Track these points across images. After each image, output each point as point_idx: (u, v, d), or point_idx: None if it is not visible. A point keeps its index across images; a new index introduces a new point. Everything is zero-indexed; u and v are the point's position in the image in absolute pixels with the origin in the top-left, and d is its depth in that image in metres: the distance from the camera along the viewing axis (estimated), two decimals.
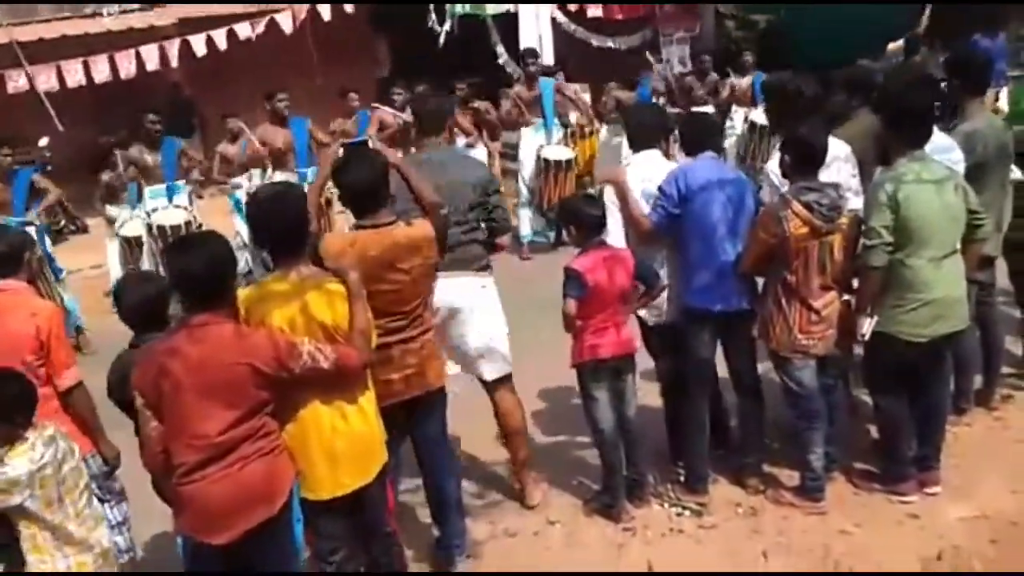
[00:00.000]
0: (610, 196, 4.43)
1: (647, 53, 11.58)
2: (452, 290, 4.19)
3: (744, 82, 10.50)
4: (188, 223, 7.62)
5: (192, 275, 2.99)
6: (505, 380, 4.46)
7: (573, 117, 9.91)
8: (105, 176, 8.35)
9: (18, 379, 3.28)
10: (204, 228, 7.24)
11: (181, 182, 8.20)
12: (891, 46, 11.03)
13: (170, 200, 7.98)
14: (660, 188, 4.25)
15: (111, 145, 8.62)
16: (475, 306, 4.30)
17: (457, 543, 4.05)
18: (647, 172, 4.39)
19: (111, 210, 8.41)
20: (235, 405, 2.96)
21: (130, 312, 3.60)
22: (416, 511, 4.43)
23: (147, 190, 8.08)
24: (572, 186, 8.98)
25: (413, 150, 8.82)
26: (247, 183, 8.50)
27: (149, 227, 7.67)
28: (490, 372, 4.40)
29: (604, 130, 10.40)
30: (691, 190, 4.18)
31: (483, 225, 4.32)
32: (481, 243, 4.32)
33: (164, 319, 3.55)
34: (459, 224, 4.18)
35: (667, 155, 4.70)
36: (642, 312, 4.48)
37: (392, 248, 3.59)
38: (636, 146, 4.62)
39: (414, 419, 3.89)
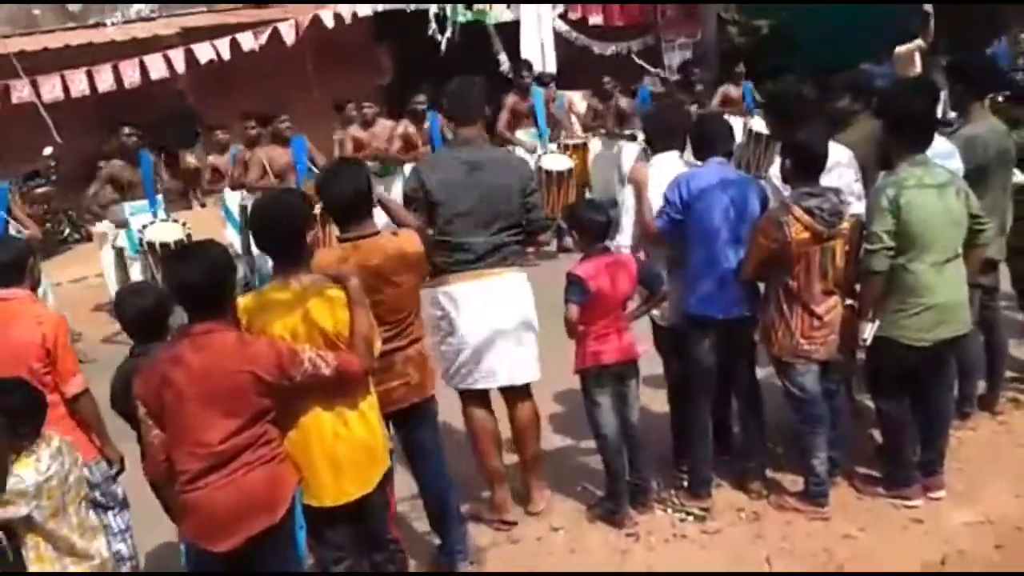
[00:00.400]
0: (628, 195, 4.46)
1: (646, 71, 11.58)
2: (498, 287, 4.22)
3: (736, 91, 10.51)
4: (189, 236, 7.49)
5: (193, 284, 3.00)
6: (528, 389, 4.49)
7: (576, 126, 9.92)
8: (92, 190, 8.30)
9: (23, 389, 3.28)
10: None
11: (160, 196, 8.06)
12: (899, 49, 11.04)
13: (154, 214, 7.80)
14: (664, 195, 4.26)
15: (101, 156, 8.54)
16: (520, 302, 4.33)
17: (459, 549, 4.04)
18: (665, 174, 4.40)
19: (100, 225, 8.32)
20: (237, 413, 2.97)
21: (130, 323, 3.65)
22: (411, 517, 4.42)
23: (129, 205, 7.92)
24: (573, 195, 8.94)
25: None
26: (240, 195, 8.50)
27: (151, 244, 7.38)
28: (523, 374, 4.39)
29: (596, 143, 10.31)
30: (693, 195, 4.19)
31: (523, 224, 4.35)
32: (518, 242, 4.33)
33: (164, 328, 3.58)
34: (504, 229, 4.22)
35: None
36: (654, 312, 4.49)
37: (386, 259, 3.61)
38: (656, 148, 4.65)
39: (409, 426, 3.89)
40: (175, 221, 7.66)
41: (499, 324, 4.25)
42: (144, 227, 7.51)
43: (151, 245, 7.35)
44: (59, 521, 3.23)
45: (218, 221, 8.68)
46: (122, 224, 7.82)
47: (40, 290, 4.51)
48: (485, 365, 4.28)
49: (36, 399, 3.29)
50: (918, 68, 11.09)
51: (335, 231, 3.80)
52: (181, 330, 3.12)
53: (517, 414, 4.45)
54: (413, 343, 3.79)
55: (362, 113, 9.02)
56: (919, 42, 11.07)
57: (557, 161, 9.09)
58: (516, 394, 4.43)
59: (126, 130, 7.96)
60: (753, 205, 4.28)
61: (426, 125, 9.19)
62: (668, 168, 4.45)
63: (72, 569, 3.28)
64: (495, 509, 4.44)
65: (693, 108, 10.18)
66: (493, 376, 4.32)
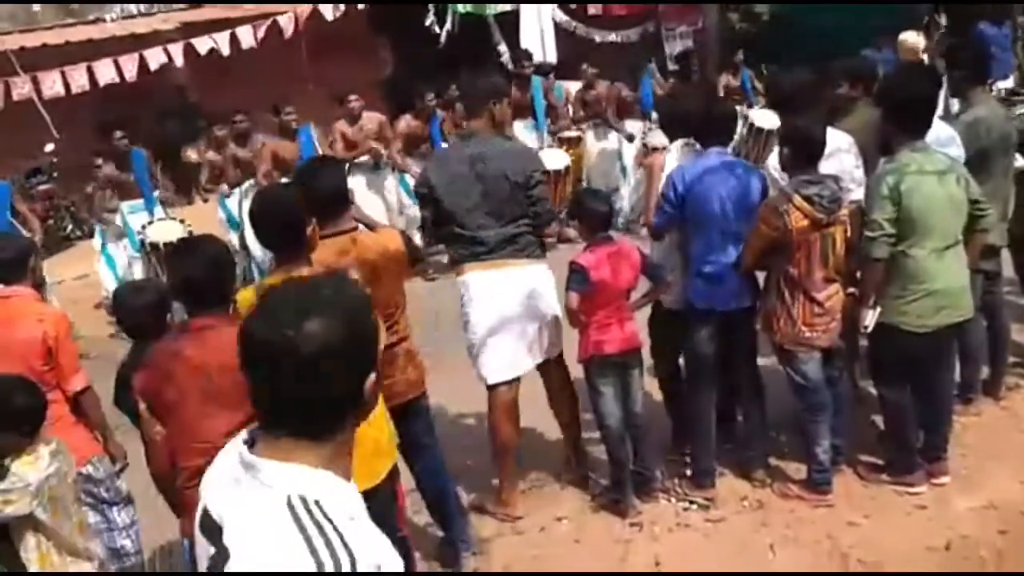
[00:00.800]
0: (634, 173, 4.47)
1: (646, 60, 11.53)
2: (513, 278, 4.23)
3: (735, 81, 10.47)
4: (191, 233, 7.42)
5: (194, 279, 3.00)
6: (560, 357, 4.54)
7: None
8: (88, 189, 8.29)
9: (27, 389, 3.28)
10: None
11: (155, 193, 8.05)
12: (903, 36, 10.96)
13: (151, 213, 7.79)
14: (662, 192, 4.26)
15: (97, 153, 8.52)
16: (545, 290, 4.34)
17: (463, 539, 4.05)
18: (678, 162, 4.40)
19: (103, 219, 8.31)
20: (238, 407, 2.96)
21: (129, 321, 3.64)
22: (412, 509, 4.42)
23: (125, 205, 7.93)
24: (569, 191, 8.86)
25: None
26: (237, 191, 8.47)
27: (153, 245, 7.30)
28: (528, 362, 4.41)
29: (591, 135, 10.26)
30: (688, 187, 4.18)
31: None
32: (531, 232, 4.32)
33: (164, 326, 3.58)
34: (515, 220, 4.22)
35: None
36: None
37: (378, 255, 3.60)
38: (671, 135, 4.67)
39: (406, 422, 3.88)
40: (173, 219, 7.64)
41: (508, 316, 4.25)
42: (144, 227, 7.46)
43: (154, 246, 7.26)
44: (61, 520, 3.23)
45: (217, 218, 8.67)
46: (119, 234, 7.80)
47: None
48: (492, 357, 4.29)
49: (38, 398, 3.29)
50: (922, 55, 11.01)
51: None
52: (181, 325, 3.12)
53: (547, 382, 4.54)
54: (402, 340, 3.80)
55: (348, 108, 8.79)
56: (923, 40, 10.99)
57: (554, 159, 8.98)
58: (552, 366, 4.47)
59: (117, 134, 7.93)
60: (754, 193, 4.25)
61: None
62: (680, 156, 4.46)
63: (72, 569, 3.28)
64: (501, 503, 4.45)
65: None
66: (500, 371, 4.32)
